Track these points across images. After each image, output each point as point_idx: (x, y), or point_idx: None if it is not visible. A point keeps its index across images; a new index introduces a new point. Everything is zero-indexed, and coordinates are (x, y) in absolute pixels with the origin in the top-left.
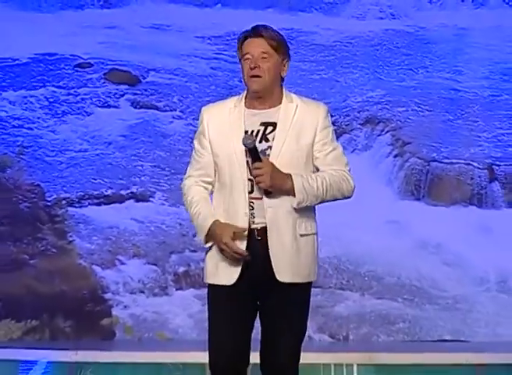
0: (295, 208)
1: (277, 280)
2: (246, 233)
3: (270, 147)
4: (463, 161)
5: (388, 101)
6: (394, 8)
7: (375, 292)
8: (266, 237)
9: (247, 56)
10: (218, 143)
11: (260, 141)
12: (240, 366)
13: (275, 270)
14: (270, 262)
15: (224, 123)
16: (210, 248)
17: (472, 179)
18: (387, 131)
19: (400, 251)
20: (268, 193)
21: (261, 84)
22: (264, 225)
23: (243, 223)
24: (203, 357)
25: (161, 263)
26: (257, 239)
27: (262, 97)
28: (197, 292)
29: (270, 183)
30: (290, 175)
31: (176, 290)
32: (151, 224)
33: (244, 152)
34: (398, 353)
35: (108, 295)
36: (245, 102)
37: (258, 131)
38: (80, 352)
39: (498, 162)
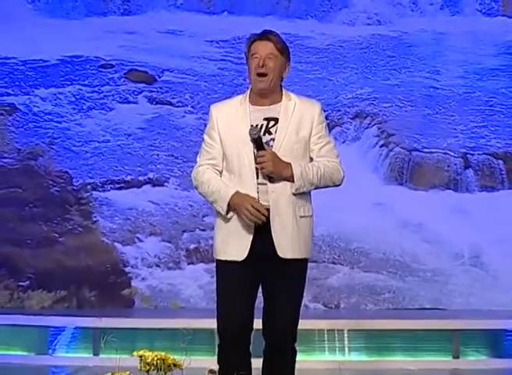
0: (294, 193)
1: (278, 256)
2: (266, 213)
3: (273, 139)
4: (440, 150)
5: (374, 98)
6: (380, 16)
7: (363, 266)
8: (269, 217)
9: (256, 55)
10: (227, 136)
11: (264, 134)
12: (246, 332)
13: (276, 247)
14: (272, 240)
15: (232, 119)
16: (219, 227)
17: (449, 166)
18: (374, 124)
19: (385, 230)
20: (271, 179)
21: (267, 83)
22: (267, 207)
23: None
24: (211, 323)
25: (174, 241)
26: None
27: (266, 94)
28: (206, 266)
29: (272, 170)
30: (290, 164)
31: (188, 264)
32: (165, 206)
33: (251, 149)
34: (383, 320)
35: (127, 269)
36: (249, 99)
37: (262, 125)
38: (104, 319)
39: (471, 152)
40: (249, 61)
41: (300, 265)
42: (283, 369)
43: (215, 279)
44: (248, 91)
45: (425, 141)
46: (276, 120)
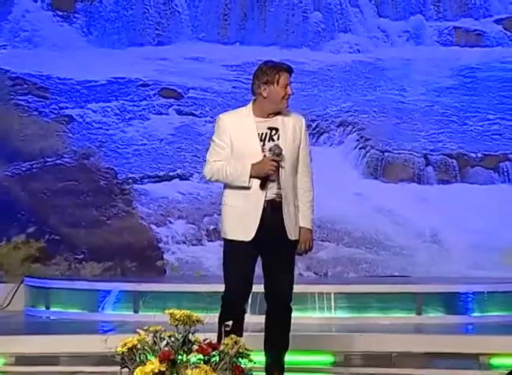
0: (292, 189)
1: (286, 238)
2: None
3: (276, 145)
4: (407, 151)
5: (355, 110)
6: (359, 46)
7: (346, 243)
8: (279, 207)
9: (288, 87)
10: (238, 141)
11: (269, 140)
12: (245, 301)
13: (287, 231)
14: (283, 225)
15: (240, 127)
16: (229, 213)
17: (413, 164)
18: (354, 131)
19: (363, 215)
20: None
21: (284, 106)
22: (271, 198)
23: (259, 196)
24: None
25: (197, 223)
26: (274, 207)
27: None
28: (222, 243)
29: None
30: None
31: (208, 241)
32: (190, 195)
33: (260, 148)
34: (362, 285)
35: (160, 245)
36: (253, 112)
37: (267, 134)
38: (142, 284)
39: (431, 153)
40: (275, 86)
41: (295, 244)
42: (284, 324)
43: (222, 254)
44: (251, 105)
45: (395, 144)
46: (277, 130)
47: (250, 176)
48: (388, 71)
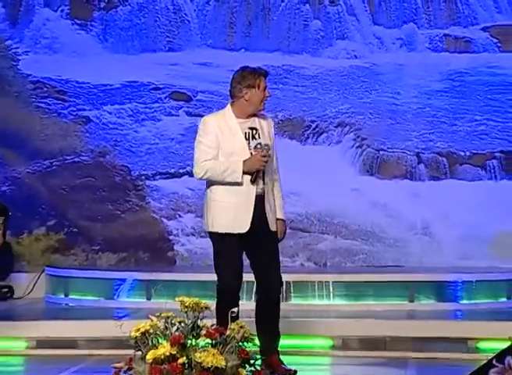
0: (271, 184)
1: (268, 229)
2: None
3: (259, 143)
4: (400, 150)
5: (352, 112)
6: (356, 52)
7: (344, 235)
8: (262, 200)
9: (267, 89)
10: (225, 140)
11: (252, 139)
12: (239, 290)
13: (269, 223)
14: (266, 218)
15: (225, 127)
16: (223, 208)
17: (406, 162)
18: (351, 131)
19: (359, 209)
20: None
21: (261, 108)
22: (259, 193)
23: (250, 190)
24: None
25: None
26: (259, 201)
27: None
28: None
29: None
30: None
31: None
32: (198, 191)
33: (247, 146)
34: (358, 274)
35: (171, 237)
36: (234, 114)
37: (249, 133)
38: (154, 273)
39: (423, 151)
40: (256, 89)
41: (275, 234)
42: (274, 315)
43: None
44: (229, 108)
45: (389, 143)
46: (256, 129)
47: (243, 173)
48: (382, 75)
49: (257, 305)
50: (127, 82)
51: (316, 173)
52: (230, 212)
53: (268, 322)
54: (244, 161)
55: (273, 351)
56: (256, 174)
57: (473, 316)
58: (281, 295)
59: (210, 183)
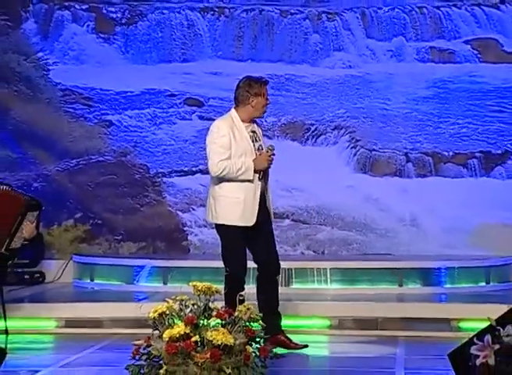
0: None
1: (270, 220)
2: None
3: (260, 145)
4: (390, 150)
5: (347, 116)
6: (351, 62)
7: (340, 226)
8: (264, 196)
9: (267, 97)
10: (235, 142)
11: (255, 141)
12: (244, 276)
13: (270, 214)
14: (267, 209)
15: (235, 131)
16: (235, 203)
17: (396, 161)
18: (347, 133)
19: (354, 203)
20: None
21: (262, 114)
22: (262, 190)
23: (256, 187)
24: None
25: None
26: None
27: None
28: None
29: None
30: None
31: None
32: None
33: (253, 148)
34: (353, 261)
35: (185, 228)
36: (240, 118)
37: (251, 136)
38: (170, 261)
39: (411, 151)
40: (261, 97)
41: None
42: (276, 289)
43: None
44: (234, 113)
45: (380, 144)
46: (255, 133)
47: (254, 171)
48: (374, 83)
49: (258, 285)
50: (146, 89)
51: (315, 171)
52: (238, 206)
53: (269, 299)
54: (254, 160)
55: (279, 331)
56: (263, 172)
57: (455, 299)
58: (281, 278)
59: (218, 180)
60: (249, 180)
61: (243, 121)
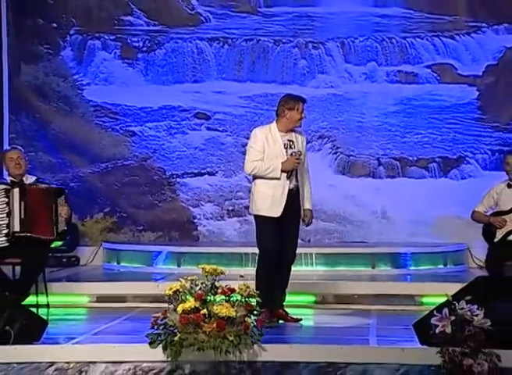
0: (302, 182)
1: (299, 215)
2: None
3: (294, 151)
4: (365, 156)
5: (330, 127)
6: (332, 83)
7: (324, 219)
8: (295, 194)
9: (301, 112)
10: (269, 147)
11: (289, 148)
12: (275, 256)
13: (301, 211)
14: (299, 206)
15: (270, 138)
16: (264, 197)
17: (369, 164)
18: (329, 142)
19: (335, 199)
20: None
21: (298, 126)
22: (291, 188)
23: (284, 186)
24: (241, 250)
25: (221, 205)
26: (292, 194)
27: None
28: (238, 219)
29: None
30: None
31: (228, 218)
32: (215, 186)
33: (285, 152)
34: (334, 248)
35: (195, 220)
36: (277, 129)
37: (286, 144)
38: (182, 247)
39: (382, 157)
40: (295, 111)
41: (300, 219)
42: (288, 274)
43: (248, 226)
44: (275, 123)
45: (357, 150)
46: (292, 141)
47: (281, 171)
48: (352, 100)
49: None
50: (163, 105)
51: None
52: (268, 200)
53: (281, 280)
54: (282, 162)
55: (280, 306)
56: (291, 172)
57: (418, 279)
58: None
59: (255, 178)
60: (278, 179)
61: (280, 131)
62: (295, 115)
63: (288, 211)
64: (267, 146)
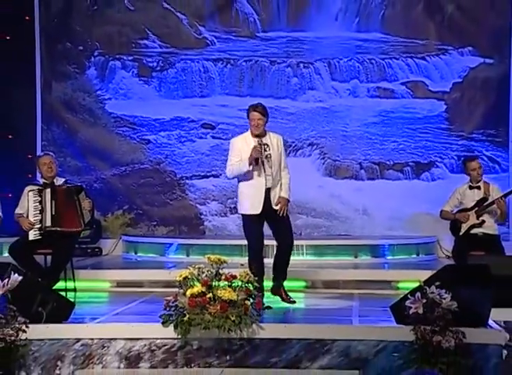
0: (277, 181)
1: (273, 208)
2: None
3: (269, 153)
4: (348, 160)
5: (318, 136)
6: (320, 98)
7: (313, 215)
8: (269, 192)
9: (253, 118)
10: (244, 152)
11: (264, 150)
12: (262, 250)
13: (272, 204)
14: (271, 201)
15: (244, 144)
16: (245, 197)
17: (353, 168)
18: (317, 148)
19: (323, 198)
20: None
21: (259, 130)
22: (268, 187)
23: (261, 185)
24: (241, 242)
25: (224, 203)
26: (267, 193)
27: (258, 134)
28: (238, 215)
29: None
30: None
31: (230, 214)
32: (220, 187)
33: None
34: (322, 240)
35: (202, 216)
36: (251, 135)
37: (262, 146)
38: (191, 240)
39: (363, 161)
40: (250, 118)
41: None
42: (288, 258)
43: (243, 223)
44: (249, 132)
45: (341, 156)
46: (267, 145)
47: (249, 161)
48: (337, 113)
49: (275, 256)
50: (174, 117)
51: (295, 175)
52: (249, 199)
53: (281, 266)
54: (247, 157)
55: (280, 287)
56: (256, 160)
57: (395, 267)
58: (269, 253)
59: (239, 181)
60: (255, 180)
61: (253, 136)
62: (251, 121)
63: (270, 209)
64: (243, 151)
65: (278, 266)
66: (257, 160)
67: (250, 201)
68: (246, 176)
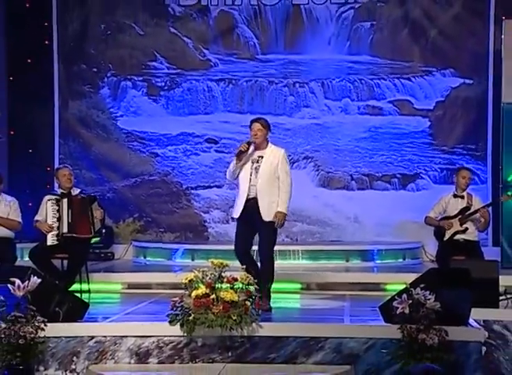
0: (268, 191)
1: (261, 218)
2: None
3: (259, 165)
4: (341, 172)
5: (312, 150)
6: (314, 115)
7: (308, 222)
8: (256, 203)
9: (252, 130)
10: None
11: (256, 162)
12: (245, 251)
13: (262, 215)
14: (259, 211)
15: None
16: (235, 204)
17: (345, 179)
18: (312, 161)
19: (317, 207)
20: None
21: (255, 140)
22: (251, 197)
23: (243, 195)
24: None
25: (226, 211)
26: (251, 202)
27: (257, 146)
28: None
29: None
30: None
31: (232, 222)
32: (222, 196)
33: (251, 165)
34: (316, 245)
35: (206, 223)
36: (254, 147)
37: (255, 159)
38: (196, 245)
39: (354, 173)
40: (251, 131)
41: (270, 223)
42: (265, 268)
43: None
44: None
45: (334, 168)
46: (262, 156)
47: (236, 156)
48: (330, 129)
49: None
50: (180, 132)
51: (293, 186)
52: (235, 205)
53: (263, 273)
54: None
55: (263, 294)
56: (240, 153)
57: (383, 270)
58: (268, 262)
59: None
60: (240, 188)
61: (255, 148)
62: (251, 131)
63: (251, 217)
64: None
65: (260, 272)
66: (240, 155)
67: (235, 205)
68: (237, 184)
